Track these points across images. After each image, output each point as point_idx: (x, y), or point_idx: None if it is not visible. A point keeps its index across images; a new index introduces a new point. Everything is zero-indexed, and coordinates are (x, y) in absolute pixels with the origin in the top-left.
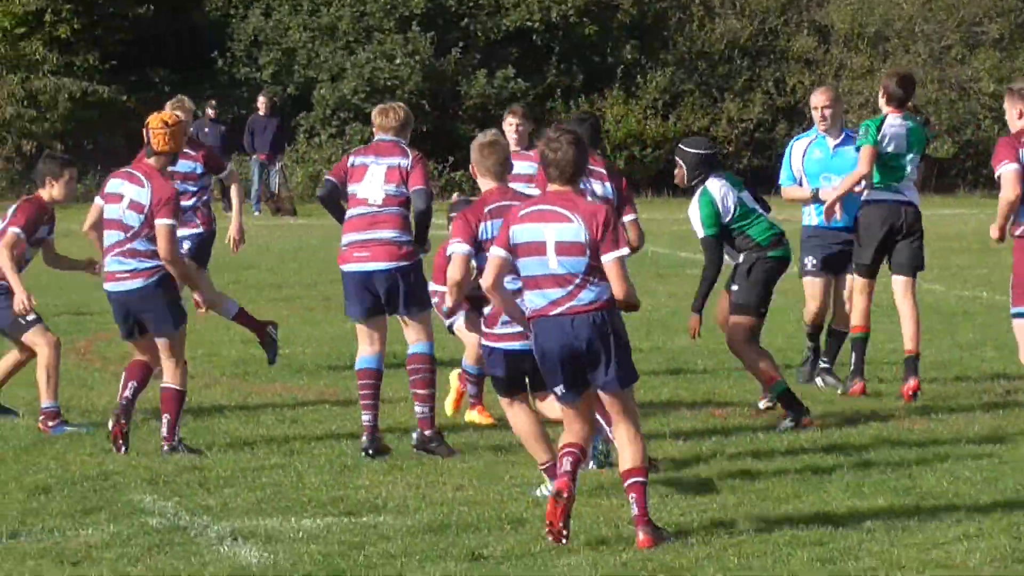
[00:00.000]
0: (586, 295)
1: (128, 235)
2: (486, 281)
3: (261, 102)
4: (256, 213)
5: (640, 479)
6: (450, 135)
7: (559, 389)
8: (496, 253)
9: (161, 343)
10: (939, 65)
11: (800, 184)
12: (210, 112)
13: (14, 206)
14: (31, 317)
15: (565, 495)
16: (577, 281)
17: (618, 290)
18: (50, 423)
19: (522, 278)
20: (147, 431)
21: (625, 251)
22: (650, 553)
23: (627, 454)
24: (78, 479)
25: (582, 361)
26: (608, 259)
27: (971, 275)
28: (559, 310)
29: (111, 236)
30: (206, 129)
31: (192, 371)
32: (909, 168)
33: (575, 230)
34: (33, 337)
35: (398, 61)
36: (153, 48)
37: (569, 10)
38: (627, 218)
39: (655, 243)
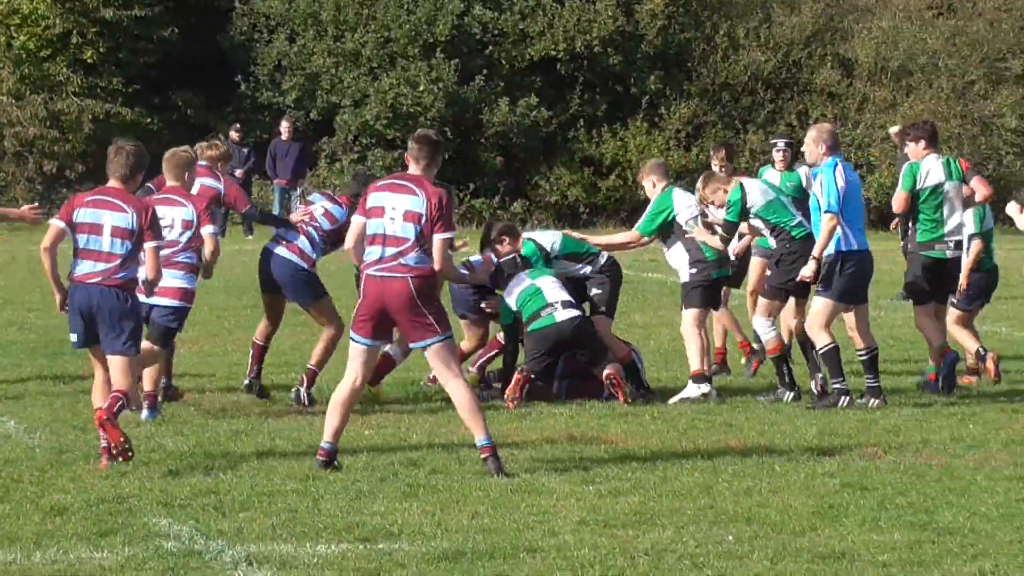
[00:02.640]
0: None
1: None
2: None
3: (284, 127)
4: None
5: None
6: (472, 163)
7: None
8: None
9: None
10: (962, 100)
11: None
12: (234, 135)
13: None
14: None
15: None
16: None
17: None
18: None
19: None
20: (162, 455)
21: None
22: None
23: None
24: (94, 502)
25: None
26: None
27: (992, 311)
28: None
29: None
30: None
31: (209, 395)
32: None
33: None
34: None
35: (421, 88)
36: (177, 71)
37: (594, 40)
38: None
39: (673, 273)
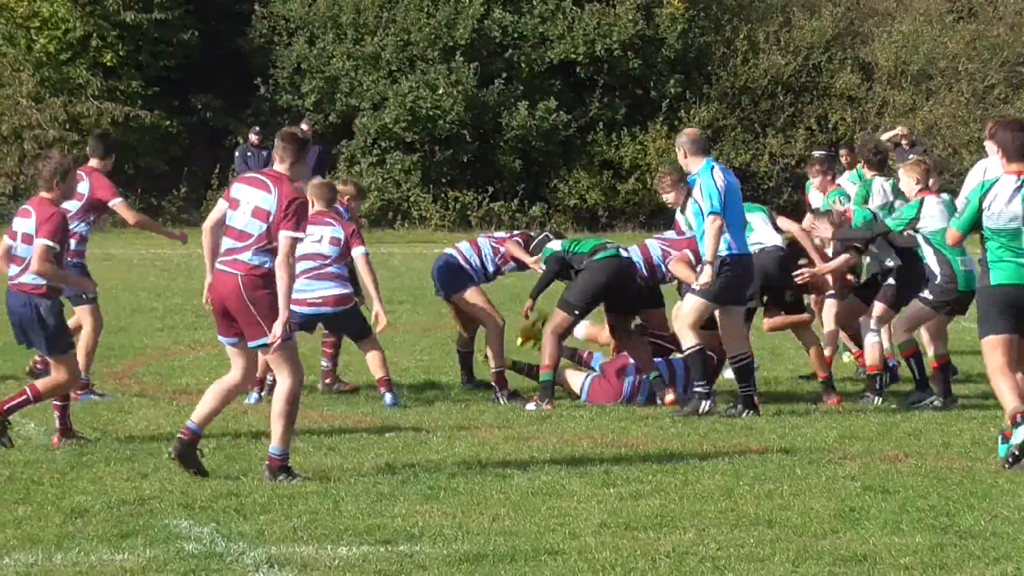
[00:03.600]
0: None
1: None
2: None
3: (304, 129)
4: None
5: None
6: (491, 166)
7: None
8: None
9: None
10: (982, 104)
11: None
12: (253, 139)
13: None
14: (91, 295)
15: None
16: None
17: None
18: (79, 391)
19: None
20: None
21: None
22: None
23: None
24: (115, 503)
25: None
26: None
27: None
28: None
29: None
30: (249, 154)
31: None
32: None
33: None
34: (82, 314)
35: (440, 91)
36: (197, 74)
37: (614, 44)
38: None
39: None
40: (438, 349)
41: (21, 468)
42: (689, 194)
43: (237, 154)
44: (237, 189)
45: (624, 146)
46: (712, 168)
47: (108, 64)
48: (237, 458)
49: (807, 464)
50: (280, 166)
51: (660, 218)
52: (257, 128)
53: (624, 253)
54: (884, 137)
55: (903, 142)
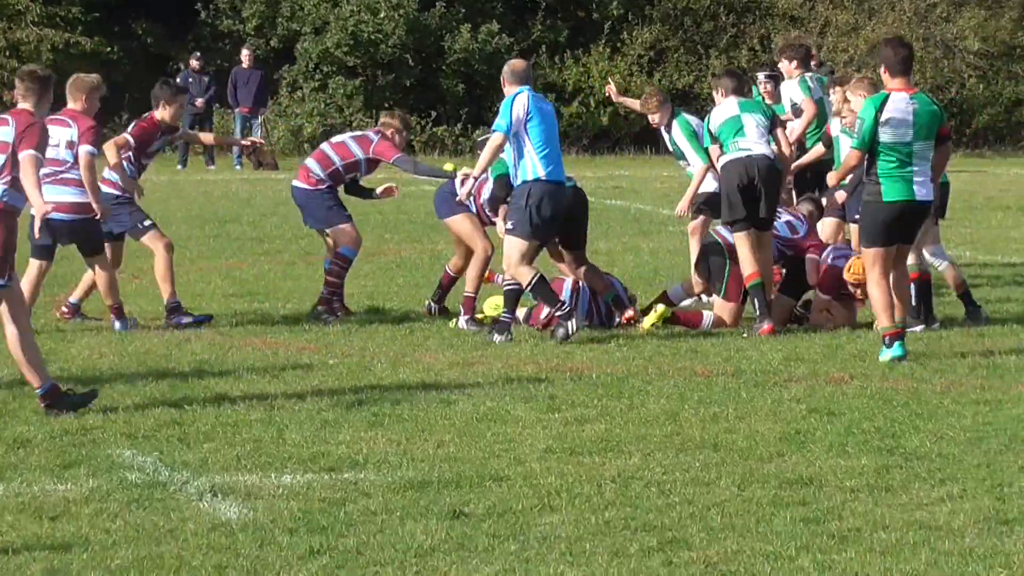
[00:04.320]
0: None
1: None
2: None
3: (244, 55)
4: (237, 167)
5: None
6: (434, 90)
7: None
8: None
9: None
10: (924, 23)
11: None
12: (195, 64)
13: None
14: (147, 222)
15: None
16: None
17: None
18: (173, 318)
19: None
20: (124, 384)
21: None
22: (632, 512)
23: None
24: (58, 433)
25: None
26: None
27: (954, 234)
28: None
29: None
30: (190, 80)
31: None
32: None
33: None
34: (148, 241)
35: (382, 15)
36: (137, 0)
37: None
38: None
39: (637, 200)
40: (381, 274)
41: None
42: (673, 115)
43: (179, 80)
44: None
45: (567, 69)
46: (518, 95)
47: None
48: (180, 386)
49: (752, 387)
50: (24, 104)
51: (604, 141)
52: (198, 54)
53: (577, 185)
54: None
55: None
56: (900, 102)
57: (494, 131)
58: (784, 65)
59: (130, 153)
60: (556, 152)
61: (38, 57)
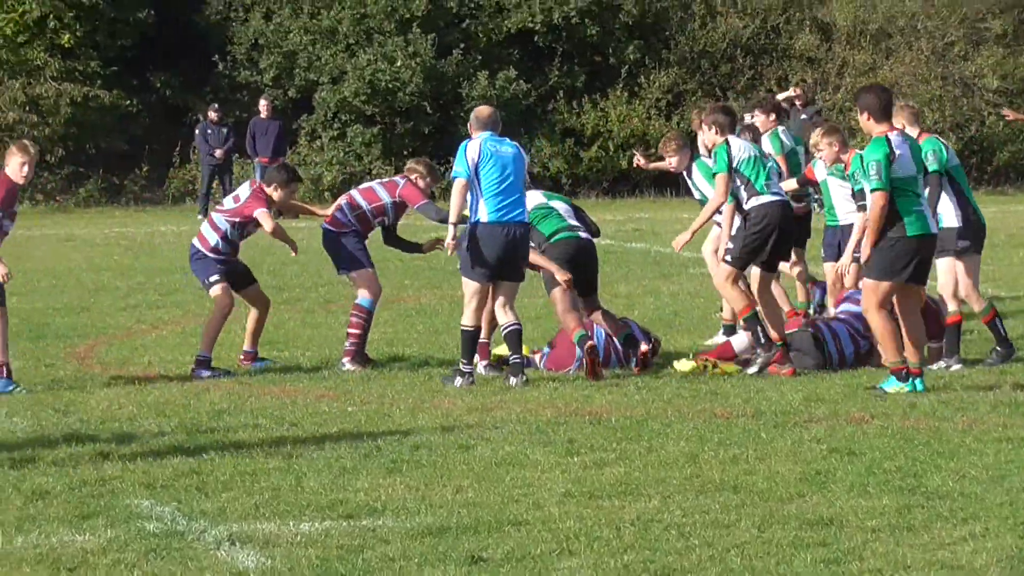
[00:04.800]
0: None
1: None
2: None
3: (263, 105)
4: None
5: None
6: (453, 137)
7: None
8: None
9: None
10: (942, 62)
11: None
12: (213, 116)
13: (246, 192)
14: (214, 277)
15: None
16: None
17: None
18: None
19: None
20: (143, 434)
21: None
22: (652, 556)
23: None
24: (76, 484)
25: None
26: None
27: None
28: None
29: None
30: (209, 131)
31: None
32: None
33: None
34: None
35: (399, 63)
36: (155, 53)
37: (571, 11)
38: None
39: (657, 243)
40: (401, 321)
41: None
42: (692, 158)
43: (197, 131)
44: None
45: (585, 113)
46: (471, 142)
47: (66, 45)
48: (198, 436)
49: (772, 428)
50: None
51: (624, 184)
52: (216, 105)
53: (583, 235)
54: (780, 97)
55: (797, 102)
56: (898, 140)
57: (454, 177)
58: (760, 119)
59: (237, 219)
60: (510, 194)
61: (57, 112)
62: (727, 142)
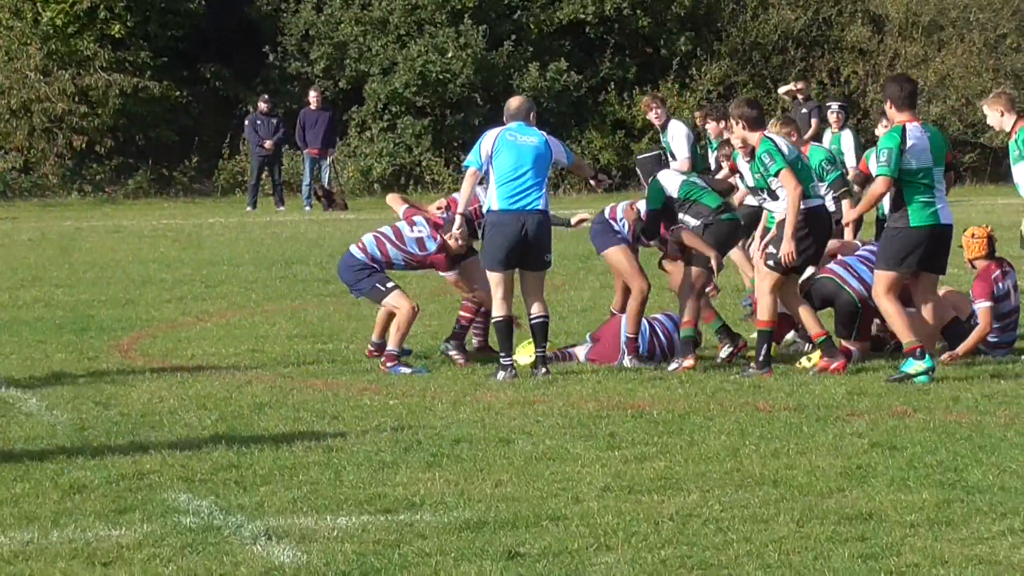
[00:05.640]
0: None
1: None
2: None
3: (313, 96)
4: (307, 208)
5: None
6: None
7: None
8: None
9: None
10: (994, 54)
11: None
12: (263, 107)
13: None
14: (390, 284)
15: None
16: None
17: None
18: (388, 363)
19: None
20: (183, 428)
21: None
22: (689, 551)
23: None
24: (114, 478)
25: None
26: None
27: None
28: None
29: None
30: (259, 123)
31: (234, 367)
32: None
33: None
34: (393, 301)
35: (450, 54)
36: (205, 44)
37: (623, 3)
38: None
39: None
40: (446, 315)
41: (21, 444)
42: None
43: (247, 123)
44: None
45: (636, 105)
46: (488, 132)
47: (116, 35)
48: (239, 429)
49: (814, 422)
50: None
51: None
52: (266, 96)
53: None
54: (781, 91)
55: (799, 96)
56: (916, 131)
57: (465, 167)
58: (711, 126)
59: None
60: (524, 183)
61: (107, 103)
62: (770, 139)
